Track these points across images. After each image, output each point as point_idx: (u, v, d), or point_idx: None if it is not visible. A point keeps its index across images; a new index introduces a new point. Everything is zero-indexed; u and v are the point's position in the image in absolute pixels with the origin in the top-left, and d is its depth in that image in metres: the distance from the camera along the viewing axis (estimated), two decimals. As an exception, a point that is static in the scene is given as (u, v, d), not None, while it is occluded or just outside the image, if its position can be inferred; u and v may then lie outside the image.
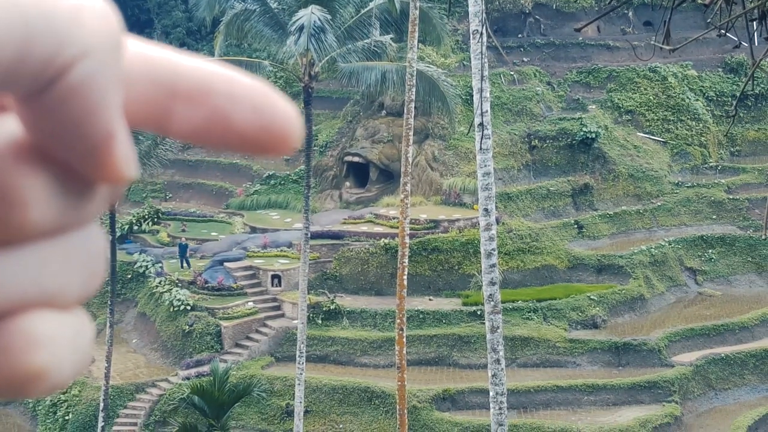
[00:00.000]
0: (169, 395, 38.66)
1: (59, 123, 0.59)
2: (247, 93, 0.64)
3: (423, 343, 40.23)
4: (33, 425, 40.67)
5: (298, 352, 28.65)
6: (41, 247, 0.61)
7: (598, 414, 36.52)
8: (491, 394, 19.23)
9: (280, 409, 37.69)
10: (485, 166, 19.48)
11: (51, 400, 40.04)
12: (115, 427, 37.49)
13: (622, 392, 37.62)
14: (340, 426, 36.97)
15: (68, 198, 0.62)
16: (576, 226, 47.55)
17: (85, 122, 0.58)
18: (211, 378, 29.47)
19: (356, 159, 51.40)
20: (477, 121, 19.23)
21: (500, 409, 19.11)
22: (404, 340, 26.40)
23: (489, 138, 19.44)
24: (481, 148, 19.43)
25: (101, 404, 32.86)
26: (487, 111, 19.18)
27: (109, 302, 34.78)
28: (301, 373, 28.46)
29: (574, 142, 50.87)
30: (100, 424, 32.38)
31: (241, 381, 35.09)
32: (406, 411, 26.55)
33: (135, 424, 38.20)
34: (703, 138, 55.11)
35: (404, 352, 26.54)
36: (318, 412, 37.10)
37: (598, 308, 42.06)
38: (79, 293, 0.65)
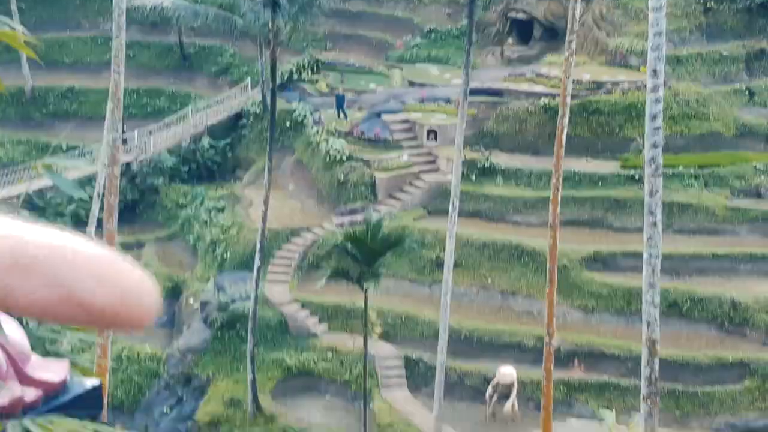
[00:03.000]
0: (323, 241, 39.55)
1: None
2: (98, 265, 0.59)
3: (577, 204, 39.75)
4: (194, 260, 42.35)
5: (450, 206, 28.72)
6: None
7: (753, 283, 35.67)
8: (645, 256, 18.90)
9: (430, 261, 38.12)
10: (657, 25, 18.70)
11: (211, 239, 41.50)
12: (270, 268, 38.68)
13: (781, 263, 36.59)
14: (489, 280, 37.22)
15: None
16: (747, 92, 45.51)
17: None
18: (364, 227, 29.88)
19: (520, 15, 50.24)
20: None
21: (653, 271, 18.79)
22: (559, 199, 26.13)
23: (662, -6, 18.61)
24: (654, 7, 18.65)
25: (258, 245, 33.84)
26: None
27: (267, 149, 35.47)
28: (452, 227, 28.60)
29: (752, 4, 48.27)
30: (257, 264, 33.41)
31: (393, 231, 35.51)
32: (556, 269, 26.46)
33: (289, 266, 39.33)
34: None
35: (558, 211, 26.30)
36: (467, 266, 37.37)
37: (763, 177, 40.52)
38: None
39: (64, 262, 0.60)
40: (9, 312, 0.57)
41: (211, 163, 47.63)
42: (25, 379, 2.16)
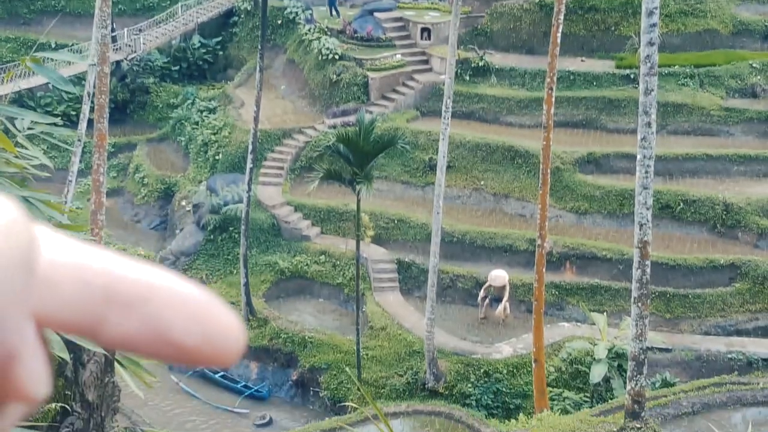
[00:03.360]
0: (315, 142, 39.33)
1: None
2: (188, 302, 0.60)
3: (571, 104, 39.50)
4: (185, 162, 42.17)
5: (443, 107, 28.44)
6: None
7: (746, 184, 35.64)
8: (638, 157, 18.83)
9: (423, 162, 37.99)
10: None
11: (202, 140, 41.26)
12: (262, 170, 38.54)
13: (775, 164, 36.52)
14: (482, 182, 37.14)
15: None
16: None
17: None
18: (357, 128, 29.59)
19: None
20: None
21: (647, 172, 18.74)
22: (552, 99, 25.89)
23: None
24: None
25: (250, 146, 33.63)
26: None
27: (259, 47, 34.98)
28: (445, 128, 28.35)
29: None
30: (249, 165, 33.25)
31: (386, 132, 35.33)
32: (549, 171, 26.36)
33: (281, 168, 39.19)
34: None
35: (552, 112, 26.10)
36: (460, 167, 37.26)
37: (759, 77, 40.14)
38: None
39: (156, 299, 0.59)
40: (96, 341, 0.60)
41: (202, 62, 47.14)
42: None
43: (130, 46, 45.99)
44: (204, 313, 0.58)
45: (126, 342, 0.57)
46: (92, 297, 0.58)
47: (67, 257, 0.59)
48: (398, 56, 42.28)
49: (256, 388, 31.73)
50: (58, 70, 36.08)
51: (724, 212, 33.93)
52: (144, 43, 46.02)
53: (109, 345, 0.57)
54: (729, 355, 29.35)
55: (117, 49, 44.01)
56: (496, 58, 41.74)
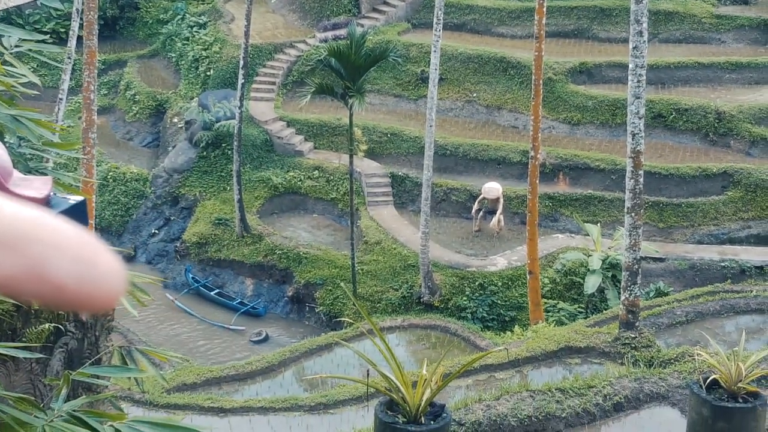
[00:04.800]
0: (307, 56, 39.05)
1: None
2: (71, 245, 0.59)
3: (563, 14, 39.19)
4: (176, 78, 41.88)
5: (435, 19, 28.16)
6: None
7: (738, 92, 35.55)
8: (630, 66, 18.73)
9: (415, 75, 37.79)
10: None
11: (193, 56, 40.92)
12: (254, 85, 38.33)
13: (767, 71, 36.33)
14: (474, 94, 36.98)
15: None
16: None
17: None
18: (348, 41, 29.35)
19: None
20: None
21: (638, 82, 18.66)
22: (544, 9, 25.64)
23: None
24: None
25: (241, 62, 33.36)
26: None
27: (247, -40, 34.47)
28: (437, 40, 28.11)
29: None
30: (240, 81, 33.03)
31: (377, 46, 35.07)
32: (541, 82, 26.24)
33: (273, 83, 38.95)
34: None
35: (543, 22, 25.86)
36: (452, 80, 37.08)
37: (752, -17, 39.82)
38: None
39: (37, 239, 0.58)
40: None
41: (191, -24, 46.52)
42: (7, 195, 2.03)
43: (116, -40, 45.34)
44: (86, 255, 0.57)
45: (6, 282, 0.56)
46: None
47: None
48: (388, -32, 41.72)
49: (252, 304, 31.92)
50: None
51: (717, 120, 33.88)
52: (130, -42, 45.37)
53: None
54: (722, 264, 29.54)
55: (103, -35, 43.40)
56: (488, -32, 41.26)
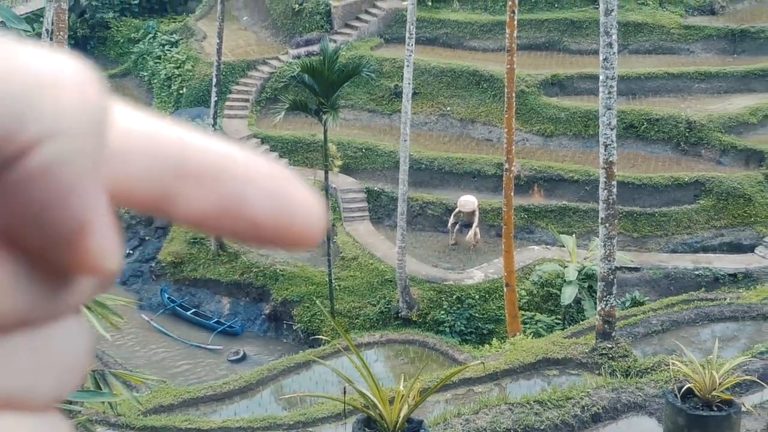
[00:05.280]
0: (280, 73, 39.09)
1: (21, 208, 0.51)
2: (266, 179, 0.57)
3: (534, 27, 39.42)
4: (149, 97, 41.82)
5: (407, 34, 28.28)
6: (5, 341, 0.53)
7: (708, 102, 35.86)
8: (601, 78, 18.88)
9: (388, 90, 37.89)
10: None
11: (165, 74, 40.88)
12: (227, 103, 38.32)
13: (735, 80, 36.68)
14: (448, 108, 37.11)
15: (39, 288, 0.53)
16: None
17: (51, 210, 0.50)
18: (321, 57, 29.40)
19: None
20: None
21: (609, 93, 18.82)
22: (515, 23, 25.80)
23: None
24: None
25: (214, 79, 33.38)
26: None
27: (218, -21, 34.52)
28: (410, 55, 28.23)
29: None
30: (213, 98, 33.03)
31: (350, 61, 35.10)
32: (514, 95, 26.38)
33: (247, 100, 38.96)
34: None
35: (515, 35, 26.02)
36: (426, 94, 37.20)
37: (719, -5, 40.24)
38: (52, 393, 0.55)
39: (232, 174, 0.55)
40: (166, 217, 0.57)
41: (162, -6, 46.55)
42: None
43: (86, -19, 45.29)
44: (282, 190, 0.56)
45: (199, 218, 0.55)
46: (165, 170, 0.56)
47: (139, 129, 0.57)
48: (359, -17, 41.86)
49: (228, 323, 31.80)
50: (12, 8, 35.66)
51: (687, 130, 34.14)
52: (101, -22, 45.33)
53: (182, 220, 0.55)
54: (696, 272, 29.72)
55: (74, -15, 43.32)
56: (458, -17, 41.48)
